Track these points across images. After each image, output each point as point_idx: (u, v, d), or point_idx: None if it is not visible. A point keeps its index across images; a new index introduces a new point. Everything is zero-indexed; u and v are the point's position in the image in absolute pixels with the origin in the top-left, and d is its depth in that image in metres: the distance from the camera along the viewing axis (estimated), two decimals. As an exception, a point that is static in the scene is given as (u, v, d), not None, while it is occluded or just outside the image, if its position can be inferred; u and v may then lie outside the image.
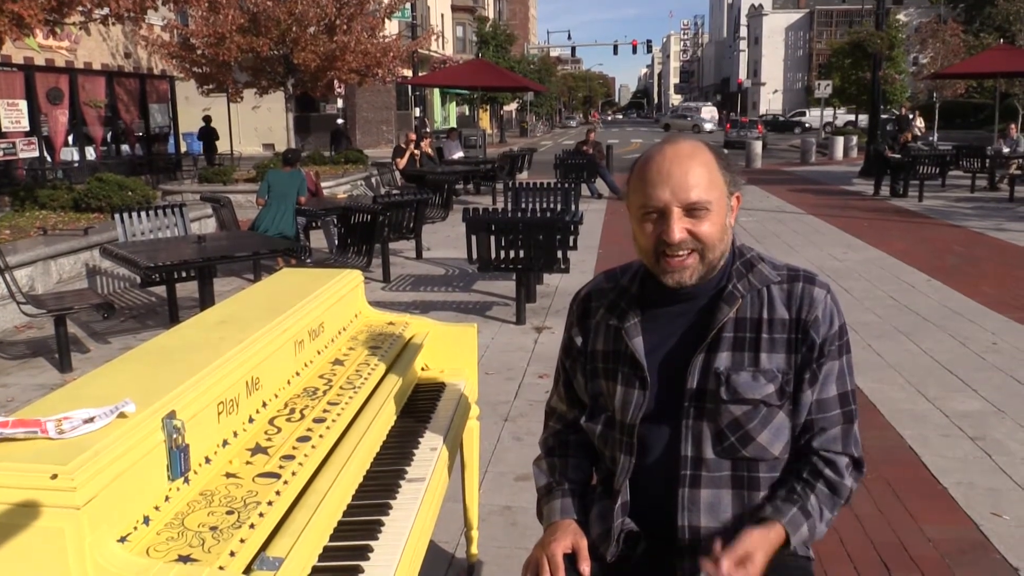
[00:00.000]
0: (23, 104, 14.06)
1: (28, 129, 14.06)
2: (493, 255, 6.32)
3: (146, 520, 1.32)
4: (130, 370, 1.66)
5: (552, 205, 8.38)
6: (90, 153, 16.49)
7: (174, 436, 1.40)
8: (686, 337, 1.56)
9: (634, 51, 57.72)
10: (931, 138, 24.28)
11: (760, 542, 1.44)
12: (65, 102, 15.50)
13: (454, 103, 44.97)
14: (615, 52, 65.81)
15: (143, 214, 7.16)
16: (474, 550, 2.83)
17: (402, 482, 1.92)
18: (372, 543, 1.64)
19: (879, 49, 20.03)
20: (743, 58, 79.17)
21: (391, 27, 23.66)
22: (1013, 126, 16.96)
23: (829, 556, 2.89)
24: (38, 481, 1.17)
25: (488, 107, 43.44)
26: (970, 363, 5.18)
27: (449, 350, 2.68)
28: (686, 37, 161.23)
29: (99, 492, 1.20)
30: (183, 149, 21.14)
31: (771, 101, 72.24)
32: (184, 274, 6.06)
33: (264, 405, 1.81)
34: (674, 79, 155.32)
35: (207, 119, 22.12)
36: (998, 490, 3.43)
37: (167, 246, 6.32)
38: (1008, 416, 4.27)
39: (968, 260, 8.75)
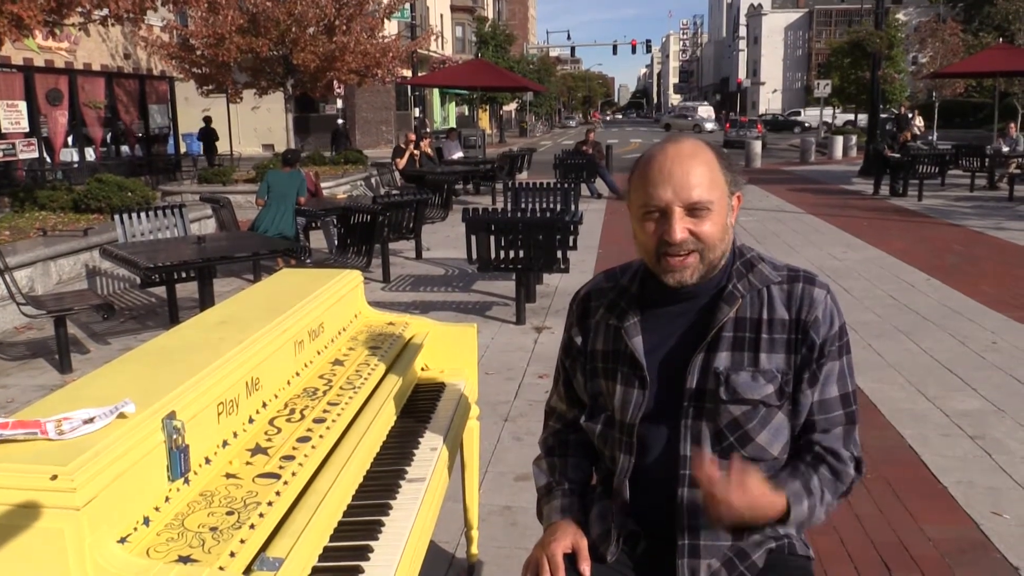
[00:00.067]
0: (23, 105, 14.06)
1: (28, 130, 14.05)
2: (493, 255, 6.32)
3: (146, 521, 1.32)
4: (130, 371, 1.66)
5: (552, 205, 8.38)
6: (90, 154, 16.48)
7: (174, 437, 1.40)
8: (686, 337, 1.56)
9: (633, 51, 57.75)
10: (930, 137, 24.29)
11: (762, 487, 1.41)
12: (64, 103, 15.50)
13: (453, 103, 44.97)
14: (614, 52, 65.77)
15: (143, 215, 7.16)
16: (474, 550, 2.83)
17: (402, 482, 1.92)
18: (372, 543, 1.64)
19: (878, 48, 20.04)
20: (742, 58, 79.19)
21: (390, 27, 23.65)
22: (1012, 125, 16.97)
23: (829, 556, 2.89)
24: (38, 482, 1.17)
25: (487, 107, 43.44)
26: (970, 362, 5.18)
27: (449, 350, 2.68)
28: (685, 37, 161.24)
29: (99, 493, 1.20)
30: (183, 150, 21.14)
31: (770, 101, 72.27)
32: (184, 275, 6.06)
33: (264, 405, 1.81)
34: (673, 79, 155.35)
35: (207, 120, 22.13)
36: (998, 489, 3.44)
37: (167, 247, 6.32)
38: (1008, 415, 4.27)
39: (968, 259, 8.76)
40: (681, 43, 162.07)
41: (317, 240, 9.37)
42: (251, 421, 1.73)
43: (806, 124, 45.82)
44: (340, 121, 26.32)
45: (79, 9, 9.08)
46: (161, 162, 18.89)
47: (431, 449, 2.11)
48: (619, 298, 1.65)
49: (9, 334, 6.28)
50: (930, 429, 4.10)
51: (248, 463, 1.60)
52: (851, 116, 37.42)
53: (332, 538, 1.63)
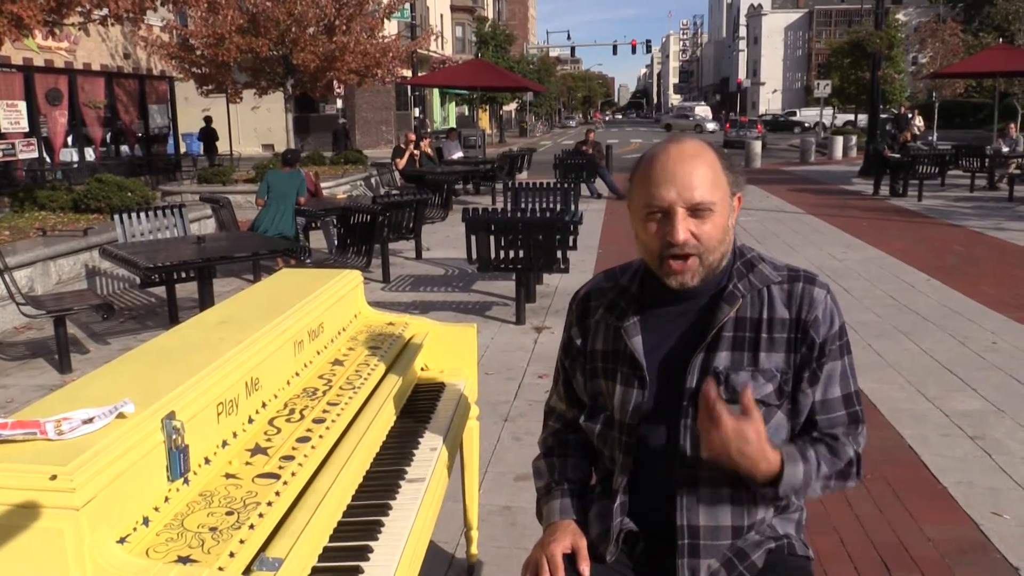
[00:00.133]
0: (22, 105, 14.05)
1: (27, 130, 14.05)
2: (493, 255, 6.32)
3: (145, 521, 1.32)
4: (129, 371, 1.66)
5: (552, 205, 8.38)
6: (89, 154, 16.48)
7: (173, 437, 1.40)
8: (686, 337, 1.56)
9: (633, 51, 57.74)
10: (930, 137, 24.29)
11: (759, 434, 1.41)
12: (64, 103, 15.49)
13: (453, 103, 44.97)
14: (614, 52, 65.79)
15: (142, 215, 7.16)
16: (474, 550, 2.83)
17: (402, 482, 1.91)
18: (372, 543, 1.64)
19: (878, 49, 20.04)
20: (742, 58, 79.22)
21: (390, 27, 23.66)
22: (1012, 125, 16.98)
23: (829, 556, 2.89)
24: (37, 482, 1.16)
25: (487, 107, 43.45)
26: (970, 362, 5.18)
27: (449, 350, 2.68)
28: (685, 37, 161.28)
29: (98, 493, 1.20)
30: (182, 150, 21.14)
31: (770, 101, 72.29)
32: (184, 275, 6.06)
33: (264, 406, 1.81)
34: (673, 79, 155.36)
35: (208, 119, 22.13)
36: (998, 489, 3.43)
37: (166, 247, 6.32)
38: (1008, 415, 4.27)
39: (967, 259, 8.76)
40: (681, 43, 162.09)
41: (317, 240, 9.37)
42: (251, 421, 1.73)
43: (806, 124, 45.85)
44: (341, 121, 26.33)
45: (79, 9, 9.08)
46: (161, 162, 18.89)
47: (431, 449, 2.11)
48: (619, 298, 1.64)
49: (9, 334, 6.28)
50: (930, 429, 4.10)
51: (248, 463, 1.60)
52: (851, 116, 37.43)
53: (332, 538, 1.63)
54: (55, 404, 1.41)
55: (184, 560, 1.26)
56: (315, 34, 15.13)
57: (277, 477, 1.55)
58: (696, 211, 1.47)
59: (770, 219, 12.04)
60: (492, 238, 6.31)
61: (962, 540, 3.03)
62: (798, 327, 1.53)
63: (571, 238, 6.56)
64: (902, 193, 14.70)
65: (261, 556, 1.38)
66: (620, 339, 1.60)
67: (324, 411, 1.88)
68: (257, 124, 26.99)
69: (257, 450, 1.66)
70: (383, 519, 1.74)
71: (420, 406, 2.38)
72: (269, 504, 1.46)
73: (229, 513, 1.41)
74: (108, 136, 17.40)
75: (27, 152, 13.55)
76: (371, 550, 1.61)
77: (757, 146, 23.37)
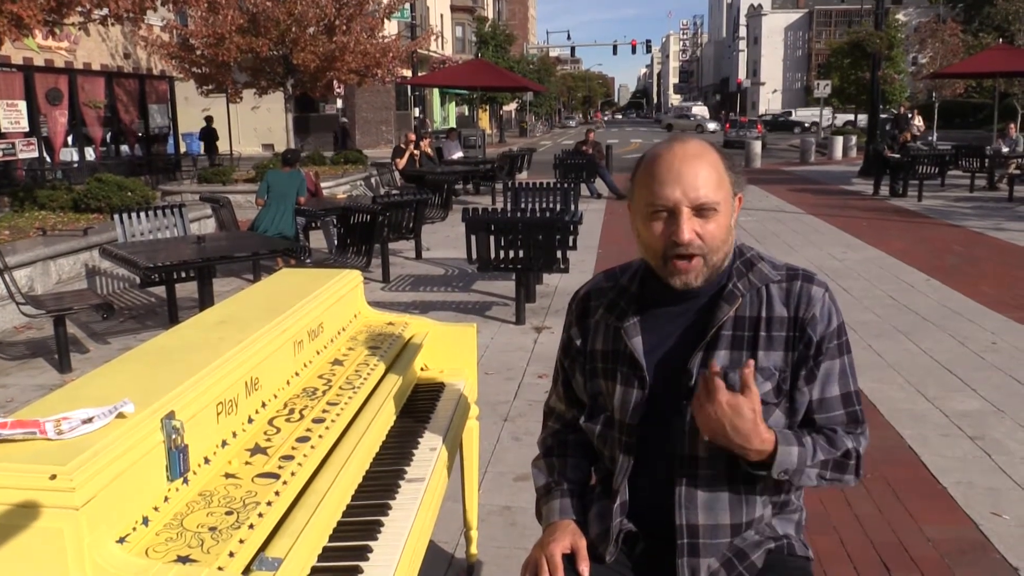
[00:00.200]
0: (22, 105, 14.06)
1: (27, 130, 14.05)
2: (493, 255, 6.32)
3: (145, 521, 1.32)
4: (129, 370, 1.66)
5: (552, 205, 8.38)
6: (89, 154, 16.48)
7: (173, 436, 1.40)
8: (685, 336, 1.56)
9: (633, 51, 57.74)
10: (930, 138, 24.29)
11: (755, 410, 1.41)
12: (64, 103, 15.49)
13: (453, 103, 44.97)
14: (614, 52, 65.81)
15: (142, 215, 7.16)
16: (473, 550, 2.83)
17: (401, 482, 1.91)
18: (371, 543, 1.64)
19: (878, 49, 20.04)
20: (742, 58, 79.19)
21: (390, 27, 23.65)
22: (1012, 126, 16.99)
23: (829, 556, 2.89)
24: (37, 482, 1.16)
25: (487, 107, 43.44)
26: (969, 363, 5.18)
27: (449, 350, 2.68)
28: (685, 37, 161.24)
29: (98, 493, 1.20)
30: (182, 149, 21.14)
31: (770, 101, 72.26)
32: (183, 274, 6.06)
33: (263, 405, 1.81)
34: (673, 79, 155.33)
35: (208, 119, 22.13)
36: (998, 490, 3.44)
37: (166, 246, 6.32)
38: (1007, 416, 4.27)
39: (967, 260, 8.76)
40: (681, 43, 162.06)
41: (317, 240, 9.37)
42: (250, 421, 1.73)
43: (806, 124, 45.88)
44: (342, 120, 26.33)
45: (79, 9, 9.08)
46: (161, 162, 18.88)
47: (430, 449, 2.11)
48: (619, 298, 1.64)
49: (9, 334, 6.28)
50: (930, 429, 4.10)
51: (247, 463, 1.60)
52: (851, 116, 37.43)
53: (331, 538, 1.63)
54: (55, 404, 1.41)
55: (183, 560, 1.26)
56: (315, 34, 15.13)
57: (277, 477, 1.55)
58: (701, 211, 1.47)
59: (770, 219, 12.04)
60: (492, 238, 6.31)
61: (962, 540, 3.03)
62: (796, 325, 1.53)
63: (571, 238, 6.56)
64: (902, 193, 14.70)
65: (261, 556, 1.38)
66: (620, 339, 1.60)
67: (324, 411, 1.88)
68: (257, 124, 26.98)
69: (257, 450, 1.65)
70: (383, 519, 1.74)
71: (420, 406, 2.38)
72: (269, 504, 1.46)
73: (229, 513, 1.41)
74: (108, 136, 17.40)
75: (27, 152, 13.55)
76: (371, 550, 1.61)
77: (757, 146, 23.38)
